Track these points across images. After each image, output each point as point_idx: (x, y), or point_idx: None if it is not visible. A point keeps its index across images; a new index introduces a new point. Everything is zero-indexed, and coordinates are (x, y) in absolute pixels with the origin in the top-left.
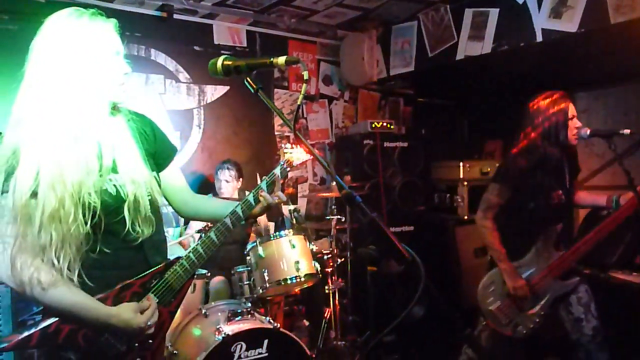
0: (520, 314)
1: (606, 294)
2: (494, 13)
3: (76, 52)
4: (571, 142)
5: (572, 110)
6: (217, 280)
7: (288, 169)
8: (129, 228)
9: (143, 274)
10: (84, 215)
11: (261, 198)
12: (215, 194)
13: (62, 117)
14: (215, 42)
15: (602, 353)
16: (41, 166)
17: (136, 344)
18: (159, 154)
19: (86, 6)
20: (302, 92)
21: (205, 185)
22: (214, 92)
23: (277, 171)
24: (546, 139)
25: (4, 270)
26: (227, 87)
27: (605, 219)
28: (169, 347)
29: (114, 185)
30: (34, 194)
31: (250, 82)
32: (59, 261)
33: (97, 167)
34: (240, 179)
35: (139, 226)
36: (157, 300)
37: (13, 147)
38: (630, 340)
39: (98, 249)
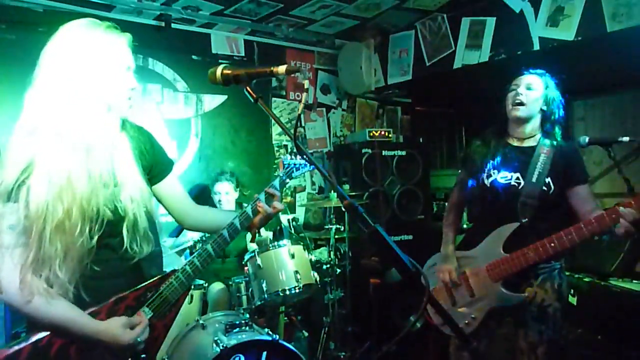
0: (452, 307)
1: (606, 302)
2: (490, 22)
3: (88, 63)
4: (510, 113)
5: (516, 82)
6: (216, 288)
7: (287, 180)
8: (127, 246)
9: (137, 287)
10: (90, 230)
11: (260, 209)
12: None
13: (74, 128)
14: (213, 51)
15: None
16: (52, 177)
17: (129, 359)
18: (155, 167)
19: (85, 16)
20: (302, 101)
21: (202, 195)
22: (212, 101)
23: (275, 183)
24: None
25: (12, 281)
26: (225, 97)
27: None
28: (166, 358)
29: (113, 201)
30: (46, 207)
31: (250, 91)
32: (62, 273)
33: (108, 180)
34: (238, 189)
35: (137, 245)
36: (152, 313)
37: (26, 157)
38: (630, 348)
39: (93, 261)
